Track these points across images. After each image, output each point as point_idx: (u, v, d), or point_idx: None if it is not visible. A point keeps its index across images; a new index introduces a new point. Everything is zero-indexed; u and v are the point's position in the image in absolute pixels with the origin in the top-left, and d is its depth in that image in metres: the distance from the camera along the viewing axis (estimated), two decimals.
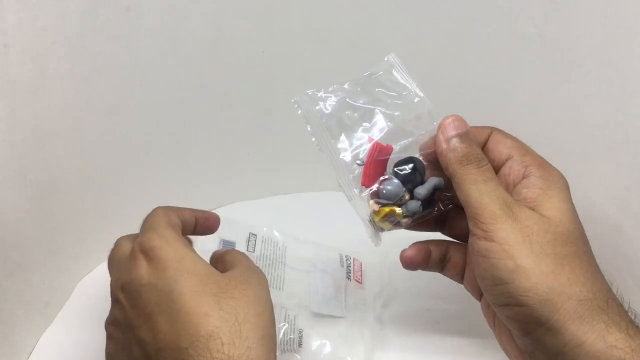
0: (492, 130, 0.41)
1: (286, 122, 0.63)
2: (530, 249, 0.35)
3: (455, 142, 0.39)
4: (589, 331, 0.33)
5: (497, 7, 0.55)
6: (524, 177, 0.38)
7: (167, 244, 0.38)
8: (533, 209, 0.37)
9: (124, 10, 0.50)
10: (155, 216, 0.41)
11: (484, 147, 0.40)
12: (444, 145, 0.39)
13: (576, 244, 0.36)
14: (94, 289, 0.56)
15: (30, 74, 0.46)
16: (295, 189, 0.67)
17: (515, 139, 0.40)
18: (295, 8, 0.57)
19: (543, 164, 0.39)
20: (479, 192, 0.37)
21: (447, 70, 0.59)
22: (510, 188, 0.39)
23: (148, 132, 0.57)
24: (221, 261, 0.41)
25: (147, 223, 0.41)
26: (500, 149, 0.40)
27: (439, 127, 0.40)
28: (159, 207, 0.42)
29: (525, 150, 0.40)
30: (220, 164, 0.63)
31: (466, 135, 0.39)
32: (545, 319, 0.34)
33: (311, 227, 0.62)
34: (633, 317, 0.35)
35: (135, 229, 0.61)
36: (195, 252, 0.39)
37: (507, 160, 0.39)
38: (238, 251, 0.43)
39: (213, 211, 0.46)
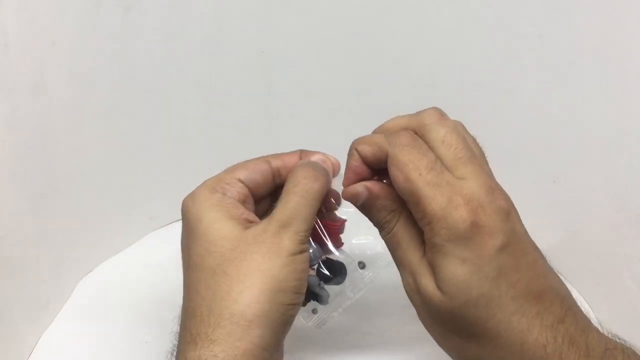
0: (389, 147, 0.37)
1: (286, 122, 0.63)
2: (439, 329, 0.36)
3: (363, 212, 0.39)
4: None
5: (497, 7, 0.55)
6: (424, 226, 0.35)
7: (193, 204, 0.38)
8: (433, 277, 0.35)
9: (124, 10, 0.50)
10: (219, 173, 0.41)
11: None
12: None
13: (474, 315, 0.34)
14: (94, 289, 0.56)
15: (30, 74, 0.46)
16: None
17: (401, 171, 0.35)
18: (295, 8, 0.57)
19: (433, 219, 0.34)
20: (395, 260, 0.38)
21: (447, 70, 0.59)
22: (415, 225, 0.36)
23: (148, 132, 0.57)
24: (280, 196, 0.38)
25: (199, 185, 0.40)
26: (395, 185, 0.36)
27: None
28: (239, 163, 0.41)
29: (410, 191, 0.35)
30: (221, 164, 0.63)
31: (365, 206, 0.38)
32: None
33: None
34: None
35: (136, 229, 0.61)
36: (221, 210, 0.37)
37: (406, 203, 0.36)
38: (296, 192, 0.38)
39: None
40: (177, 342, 0.37)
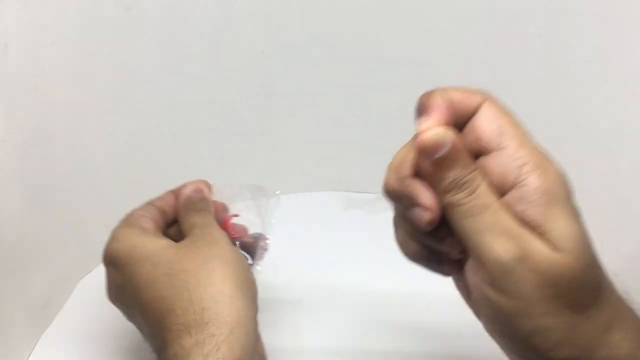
0: (485, 100, 0.32)
1: (286, 122, 0.63)
2: (548, 306, 0.28)
3: (436, 167, 0.31)
4: None
5: (497, 7, 0.55)
6: (517, 182, 0.30)
7: (119, 244, 0.40)
8: (541, 239, 0.28)
9: (124, 10, 0.50)
10: (118, 226, 0.43)
11: (470, 120, 0.32)
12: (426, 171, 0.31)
13: (594, 280, 0.30)
14: (94, 289, 0.56)
15: (30, 74, 0.46)
16: (295, 189, 0.67)
17: (511, 121, 0.32)
18: (295, 8, 0.57)
19: (542, 163, 0.31)
20: (475, 231, 0.29)
21: (447, 70, 0.59)
22: (496, 190, 0.30)
23: (148, 132, 0.57)
24: (183, 229, 0.43)
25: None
26: (491, 132, 0.31)
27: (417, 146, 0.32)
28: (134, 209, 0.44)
29: (522, 139, 0.31)
30: (220, 164, 0.63)
31: (446, 159, 0.30)
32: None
33: (310, 228, 0.62)
34: None
35: None
36: (147, 235, 0.40)
37: (497, 148, 0.31)
38: (193, 214, 0.43)
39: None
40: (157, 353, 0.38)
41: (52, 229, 0.52)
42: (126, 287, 0.39)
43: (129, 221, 0.42)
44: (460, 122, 0.32)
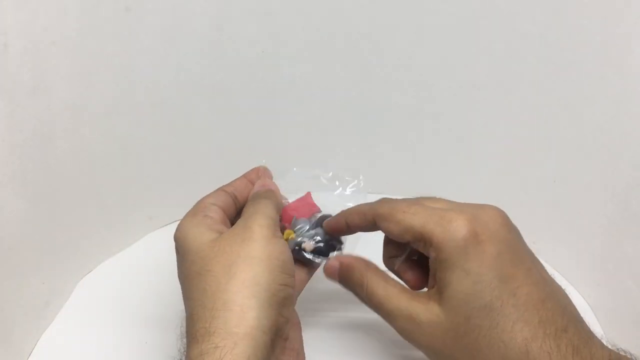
0: (374, 215, 0.41)
1: (286, 122, 0.63)
2: (441, 353, 0.37)
3: (344, 286, 0.43)
4: None
5: (497, 7, 0.55)
6: (429, 258, 0.39)
7: (178, 232, 0.40)
8: (438, 300, 0.37)
9: (124, 10, 0.50)
10: (187, 212, 0.42)
11: (375, 227, 0.42)
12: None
13: (478, 326, 0.35)
14: (94, 289, 0.56)
15: (30, 74, 0.46)
16: (295, 189, 0.67)
17: (397, 220, 0.40)
18: (295, 8, 0.57)
19: (432, 237, 0.38)
20: (383, 316, 0.40)
21: (447, 70, 0.59)
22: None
23: (148, 132, 0.57)
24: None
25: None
26: (394, 236, 0.40)
27: None
28: (206, 196, 0.44)
29: (410, 228, 0.39)
30: (220, 164, 0.63)
31: (342, 280, 0.43)
32: None
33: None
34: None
35: (136, 229, 0.61)
36: (203, 225, 0.39)
37: (409, 243, 0.40)
38: (253, 202, 0.43)
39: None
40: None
41: (52, 229, 0.52)
42: (179, 275, 0.39)
43: (195, 208, 0.42)
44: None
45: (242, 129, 0.62)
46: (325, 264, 0.43)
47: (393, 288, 0.40)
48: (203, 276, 0.36)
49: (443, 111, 0.62)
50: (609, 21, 0.49)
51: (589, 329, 0.36)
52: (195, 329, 0.35)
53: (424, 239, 0.38)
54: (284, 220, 0.46)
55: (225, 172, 0.63)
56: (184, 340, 0.37)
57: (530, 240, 0.60)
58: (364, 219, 0.42)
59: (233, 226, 0.40)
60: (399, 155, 0.65)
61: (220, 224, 0.41)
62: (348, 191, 0.47)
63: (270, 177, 0.47)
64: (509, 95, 0.58)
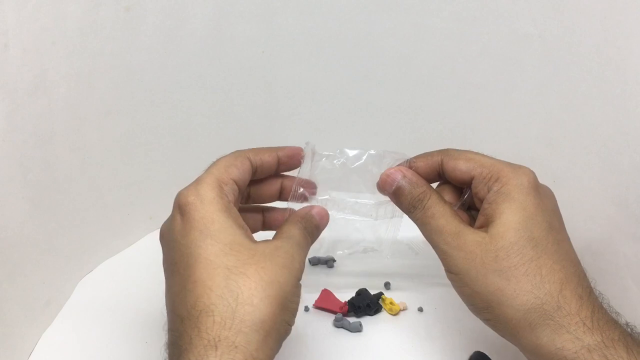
0: (443, 155, 0.43)
1: (286, 122, 0.63)
2: (477, 274, 0.38)
3: (395, 198, 0.43)
4: (540, 336, 0.36)
5: (497, 7, 0.55)
6: (488, 193, 0.41)
7: (200, 203, 0.37)
8: (486, 228, 0.39)
9: (124, 10, 0.50)
10: (211, 168, 0.40)
11: (440, 172, 0.43)
12: (394, 201, 0.43)
13: (520, 253, 0.38)
14: (94, 289, 0.56)
15: (30, 74, 0.46)
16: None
17: (467, 157, 0.42)
18: (295, 8, 0.57)
19: (501, 173, 0.40)
20: (429, 232, 0.41)
21: (447, 70, 0.59)
22: (454, 197, 0.43)
23: (148, 132, 0.57)
24: (282, 224, 0.41)
25: (203, 173, 0.40)
26: (459, 173, 0.42)
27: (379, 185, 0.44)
28: (227, 156, 0.41)
29: (481, 164, 0.41)
30: None
31: (399, 189, 0.42)
32: (502, 331, 0.39)
33: None
34: (602, 314, 0.37)
35: (136, 229, 0.61)
36: (231, 218, 0.37)
37: (472, 180, 0.41)
38: (297, 223, 0.41)
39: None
40: (173, 337, 0.35)
41: (52, 229, 0.52)
42: (182, 243, 0.36)
43: (213, 178, 0.39)
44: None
45: (242, 129, 0.62)
46: (383, 173, 0.43)
47: (450, 211, 0.41)
48: (236, 276, 0.35)
49: (443, 111, 0.62)
50: (609, 21, 0.48)
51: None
52: (216, 332, 0.33)
53: (492, 175, 0.40)
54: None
55: None
56: (176, 321, 0.35)
57: None
58: (429, 160, 0.43)
59: (282, 243, 0.38)
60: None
61: (239, 215, 0.39)
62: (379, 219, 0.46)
63: (314, 187, 0.45)
64: (509, 95, 0.58)
